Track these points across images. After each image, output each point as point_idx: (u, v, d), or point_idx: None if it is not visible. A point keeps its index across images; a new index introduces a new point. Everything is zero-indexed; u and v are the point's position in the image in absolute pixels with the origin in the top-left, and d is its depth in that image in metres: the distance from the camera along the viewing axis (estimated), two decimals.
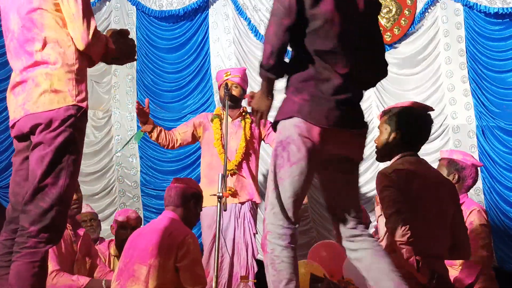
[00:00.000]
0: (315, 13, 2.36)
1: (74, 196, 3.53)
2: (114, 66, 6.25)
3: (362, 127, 2.53)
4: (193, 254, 3.18)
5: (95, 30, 2.44)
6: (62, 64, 2.43)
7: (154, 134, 4.48)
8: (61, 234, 2.43)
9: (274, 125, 2.49)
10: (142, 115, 4.41)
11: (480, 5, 5.46)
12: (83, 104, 2.45)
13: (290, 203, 2.36)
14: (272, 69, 2.40)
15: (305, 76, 2.42)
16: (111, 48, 2.54)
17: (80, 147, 2.46)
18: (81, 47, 2.44)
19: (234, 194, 4.43)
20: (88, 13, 2.44)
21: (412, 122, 3.04)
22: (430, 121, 3.10)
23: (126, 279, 3.14)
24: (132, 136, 4.75)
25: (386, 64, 2.62)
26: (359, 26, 2.47)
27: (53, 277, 3.35)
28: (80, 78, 2.47)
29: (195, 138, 4.69)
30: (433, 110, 3.16)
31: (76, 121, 2.41)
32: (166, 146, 4.61)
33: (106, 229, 5.53)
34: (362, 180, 5.62)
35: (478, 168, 3.94)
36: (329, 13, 2.36)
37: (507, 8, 5.41)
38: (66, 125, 2.39)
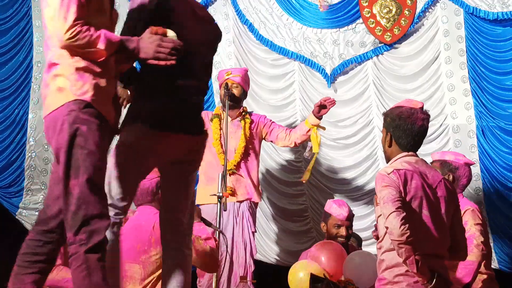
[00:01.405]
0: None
1: None
2: None
3: (202, 132, 2.72)
4: None
5: (72, 27, 2.27)
6: (63, 62, 2.36)
7: None
8: (99, 231, 2.29)
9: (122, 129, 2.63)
10: None
11: (480, 9, 5.47)
12: (86, 97, 2.33)
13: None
14: (121, 82, 2.69)
15: (152, 84, 2.61)
16: (97, 49, 2.33)
17: (93, 139, 2.32)
18: (58, 44, 2.33)
19: (233, 193, 4.44)
20: (63, 11, 2.28)
21: (401, 123, 3.05)
22: (419, 119, 3.07)
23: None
24: None
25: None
26: (200, 36, 2.68)
27: (53, 271, 3.35)
28: (83, 71, 2.35)
29: None
30: (422, 105, 3.14)
31: (80, 115, 2.31)
32: None
33: None
34: (362, 180, 5.62)
35: (473, 169, 3.94)
36: (174, 29, 2.51)
37: (506, 13, 5.41)
38: (69, 122, 2.30)
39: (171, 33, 2.45)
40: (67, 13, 2.27)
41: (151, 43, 2.40)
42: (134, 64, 2.76)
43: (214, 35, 2.84)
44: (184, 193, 2.71)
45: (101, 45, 2.32)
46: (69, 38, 2.27)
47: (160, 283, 3.09)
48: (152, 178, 3.36)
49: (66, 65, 2.35)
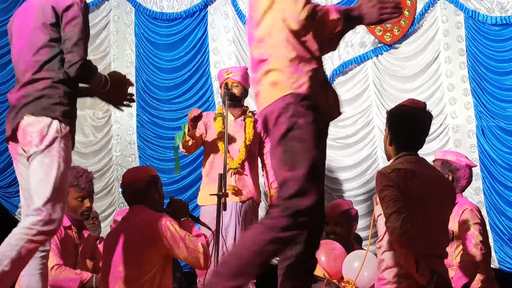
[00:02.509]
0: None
1: (88, 204, 3.61)
2: (112, 65, 6.23)
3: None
4: (175, 232, 3.11)
5: (305, 4, 2.23)
6: (274, 54, 2.31)
7: (191, 141, 4.47)
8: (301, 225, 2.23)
9: None
10: (197, 121, 4.43)
11: (479, 13, 5.47)
12: (301, 90, 2.26)
13: None
14: None
15: None
16: (332, 19, 2.27)
17: (311, 132, 2.25)
18: (294, 27, 2.27)
19: (237, 193, 4.42)
20: None
21: (401, 122, 3.04)
22: (422, 118, 3.05)
23: (115, 282, 3.08)
24: (176, 145, 4.68)
25: None
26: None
27: (54, 270, 3.33)
28: (297, 61, 2.29)
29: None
30: (424, 104, 3.13)
31: (297, 108, 2.25)
32: (190, 153, 4.65)
33: (106, 229, 5.53)
34: (361, 180, 5.62)
35: (472, 169, 3.93)
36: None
37: (505, 18, 5.42)
38: (286, 115, 2.24)
39: None
40: None
41: (372, 7, 2.34)
42: None
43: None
44: None
45: (334, 15, 2.30)
46: (308, 16, 2.25)
47: (156, 282, 3.09)
48: (140, 176, 3.32)
49: (278, 57, 2.30)
